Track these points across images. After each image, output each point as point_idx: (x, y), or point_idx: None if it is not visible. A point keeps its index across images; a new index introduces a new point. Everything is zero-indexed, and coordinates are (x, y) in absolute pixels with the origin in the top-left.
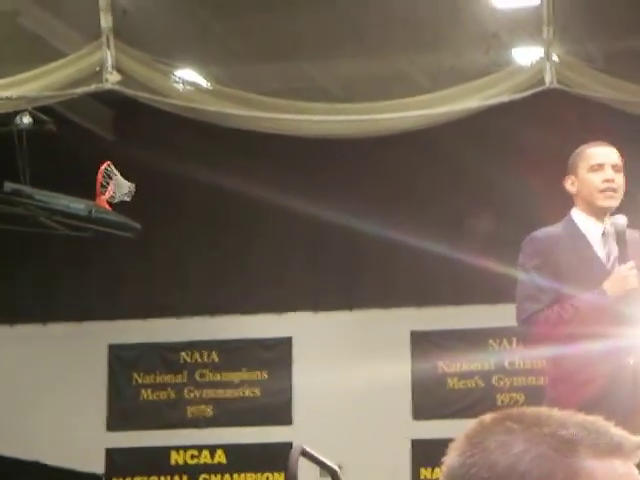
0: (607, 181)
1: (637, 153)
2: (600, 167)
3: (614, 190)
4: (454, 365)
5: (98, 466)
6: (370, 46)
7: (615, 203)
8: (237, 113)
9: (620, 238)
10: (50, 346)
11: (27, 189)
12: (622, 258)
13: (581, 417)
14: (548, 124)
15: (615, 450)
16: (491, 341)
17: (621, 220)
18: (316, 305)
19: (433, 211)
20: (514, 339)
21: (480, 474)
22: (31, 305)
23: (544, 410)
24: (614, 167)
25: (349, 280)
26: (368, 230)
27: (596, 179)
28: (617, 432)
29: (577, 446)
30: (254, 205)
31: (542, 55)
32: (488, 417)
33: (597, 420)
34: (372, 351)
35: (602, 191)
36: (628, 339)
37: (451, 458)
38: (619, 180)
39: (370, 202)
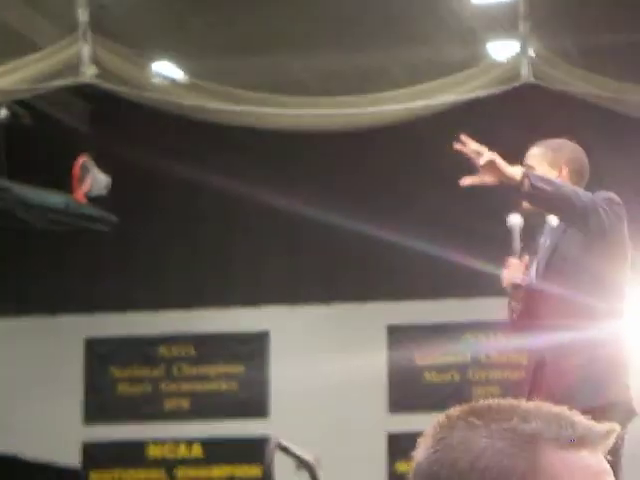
0: None
1: (611, 147)
2: None
3: None
4: (430, 358)
5: (75, 459)
6: (348, 40)
7: (526, 204)
8: (215, 107)
9: (512, 234)
10: (26, 340)
11: (3, 182)
12: (511, 252)
13: (546, 409)
14: (526, 119)
15: (579, 442)
16: (467, 335)
17: (511, 219)
18: (293, 299)
19: (410, 206)
20: (490, 333)
21: (442, 472)
22: (6, 298)
23: (509, 403)
24: (528, 169)
25: (326, 274)
26: (345, 224)
27: None
28: (582, 423)
29: (537, 440)
30: (232, 199)
31: (518, 50)
32: (454, 411)
33: (562, 411)
34: (349, 345)
35: None
36: (597, 332)
37: (418, 454)
38: None
39: (347, 196)
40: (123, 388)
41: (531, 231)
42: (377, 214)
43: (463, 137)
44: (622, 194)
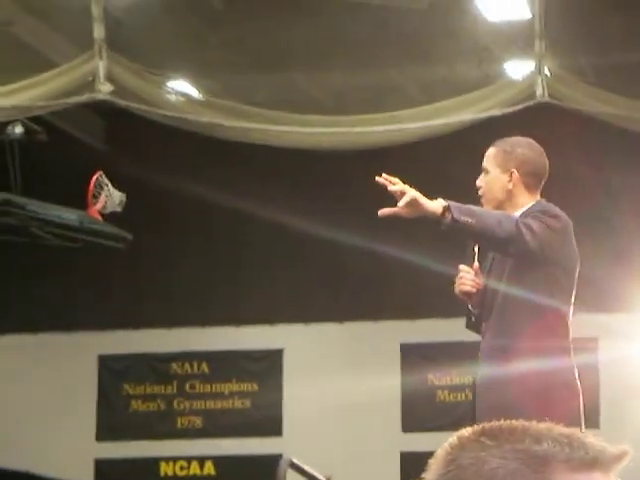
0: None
1: (626, 167)
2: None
3: (480, 195)
4: (444, 378)
5: (87, 476)
6: (362, 58)
7: (484, 206)
8: (229, 124)
9: (466, 242)
10: (40, 356)
11: (18, 199)
12: (464, 260)
13: (557, 431)
14: (541, 138)
15: (590, 463)
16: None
17: None
18: (307, 317)
19: (423, 224)
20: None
21: None
22: (21, 315)
23: (520, 424)
24: (483, 170)
25: (340, 292)
26: (359, 243)
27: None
28: (594, 445)
29: (550, 461)
30: (245, 217)
31: (534, 69)
32: (465, 432)
33: (573, 433)
34: (362, 363)
35: None
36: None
37: (429, 474)
38: (482, 183)
39: (361, 214)
40: (136, 405)
41: None
42: (391, 232)
43: (384, 177)
44: (636, 212)
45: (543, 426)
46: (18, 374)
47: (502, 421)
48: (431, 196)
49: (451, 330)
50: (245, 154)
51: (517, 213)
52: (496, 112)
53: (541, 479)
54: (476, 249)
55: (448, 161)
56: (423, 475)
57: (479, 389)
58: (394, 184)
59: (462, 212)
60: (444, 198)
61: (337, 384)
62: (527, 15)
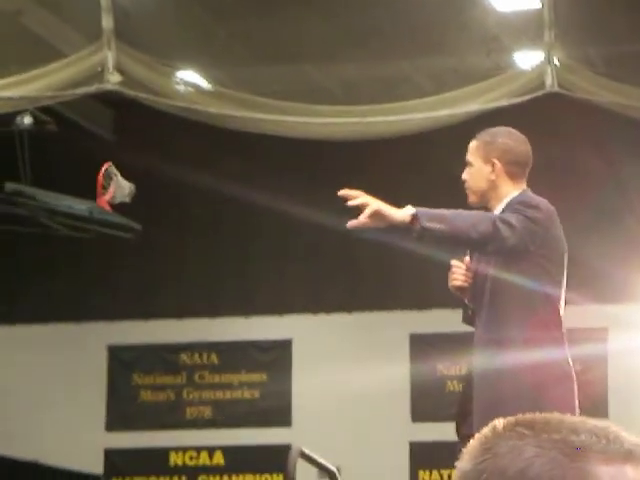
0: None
1: (635, 157)
2: None
3: (466, 188)
4: (453, 368)
5: (97, 466)
6: (372, 49)
7: (470, 199)
8: (238, 115)
9: None
10: (50, 346)
11: (28, 189)
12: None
13: (592, 423)
14: (550, 128)
15: (625, 456)
16: None
17: None
18: (316, 307)
19: None
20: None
21: (491, 479)
22: (32, 305)
23: (555, 416)
24: (467, 164)
25: (349, 283)
26: (369, 235)
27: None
28: (628, 439)
29: (587, 452)
30: (254, 207)
31: (543, 59)
32: (500, 423)
33: (608, 426)
34: (371, 353)
35: None
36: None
37: (463, 463)
38: (467, 176)
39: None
40: (145, 395)
41: None
42: None
43: (344, 192)
44: None
45: (577, 419)
46: (28, 364)
47: (538, 414)
48: (446, 184)
49: (460, 320)
50: (255, 145)
51: (502, 204)
52: (506, 102)
53: (577, 468)
54: None
55: (458, 150)
56: (456, 464)
57: (475, 380)
58: (354, 198)
59: (431, 218)
60: (457, 185)
61: (346, 374)
62: (536, 5)
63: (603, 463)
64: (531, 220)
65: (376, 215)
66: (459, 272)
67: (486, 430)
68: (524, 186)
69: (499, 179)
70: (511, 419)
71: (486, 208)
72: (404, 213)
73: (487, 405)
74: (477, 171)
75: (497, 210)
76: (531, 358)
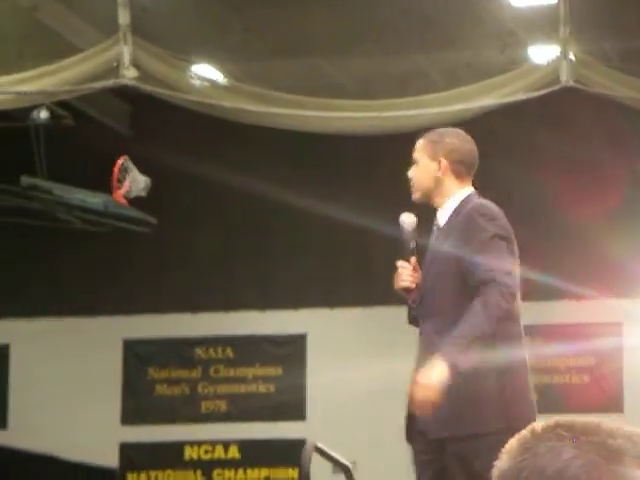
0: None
1: None
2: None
3: (411, 185)
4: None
5: (112, 460)
6: (387, 43)
7: (414, 196)
8: (253, 109)
9: (403, 235)
10: (65, 340)
11: (44, 183)
12: (402, 255)
13: (628, 429)
14: (564, 122)
15: None
16: None
17: (403, 217)
18: (331, 302)
19: None
20: (527, 337)
21: (530, 478)
22: (47, 299)
23: (593, 420)
24: (413, 162)
25: (364, 277)
26: (383, 229)
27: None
28: None
29: (623, 456)
30: (269, 202)
31: (558, 53)
32: (539, 425)
33: (633, 432)
34: (386, 348)
35: None
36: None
37: (503, 462)
38: (413, 173)
39: (386, 200)
40: (161, 389)
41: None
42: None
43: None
44: None
45: (614, 424)
46: (44, 358)
47: (573, 418)
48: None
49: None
50: (271, 140)
51: (448, 201)
52: (521, 97)
53: (613, 471)
54: (414, 244)
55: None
56: (495, 464)
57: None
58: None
59: (459, 353)
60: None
61: (361, 369)
62: (552, 0)
63: (637, 467)
64: (500, 237)
65: (424, 393)
66: (406, 273)
67: (525, 431)
68: (470, 186)
69: (445, 177)
70: (550, 422)
71: (429, 205)
72: (440, 371)
73: (461, 402)
74: (423, 168)
75: (443, 208)
76: (503, 352)
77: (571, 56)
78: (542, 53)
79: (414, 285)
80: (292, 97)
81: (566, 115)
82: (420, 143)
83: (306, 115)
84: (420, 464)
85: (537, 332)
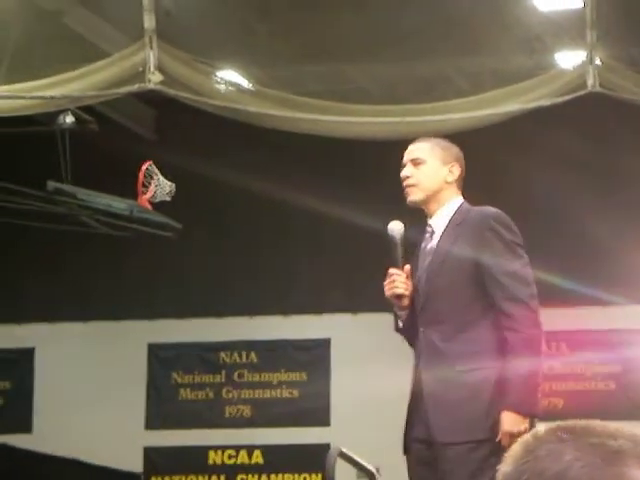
0: (402, 179)
1: None
2: (404, 166)
3: (410, 185)
4: None
5: (136, 465)
6: (412, 48)
7: (415, 197)
8: (278, 114)
9: (391, 243)
10: (90, 344)
11: (69, 188)
12: (391, 262)
13: (629, 430)
14: (588, 129)
15: None
16: None
17: (392, 225)
18: (354, 307)
19: None
20: (553, 343)
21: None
22: (72, 303)
23: (594, 422)
24: (413, 162)
25: None
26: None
27: (402, 179)
28: None
29: (624, 457)
30: (292, 206)
31: (585, 59)
32: (541, 429)
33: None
34: (410, 353)
35: (404, 189)
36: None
37: (505, 466)
38: (418, 174)
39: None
40: (185, 394)
41: (413, 237)
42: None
43: None
44: None
45: (614, 425)
46: (69, 362)
47: (576, 420)
48: (486, 185)
49: None
50: (295, 144)
51: (442, 208)
52: (546, 102)
53: (614, 472)
54: (400, 251)
55: (495, 150)
56: (498, 467)
57: (441, 390)
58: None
59: (533, 403)
60: (497, 186)
61: (385, 374)
62: (578, 5)
63: (638, 467)
64: (520, 246)
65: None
66: (400, 280)
67: (528, 436)
68: (461, 196)
69: (451, 184)
70: (552, 426)
71: (420, 209)
72: (521, 423)
73: (474, 408)
74: (433, 171)
75: (437, 214)
76: (508, 362)
77: (598, 61)
78: (568, 58)
79: (407, 292)
80: (316, 102)
81: (591, 120)
82: (425, 145)
83: (329, 120)
84: (418, 476)
85: (563, 338)
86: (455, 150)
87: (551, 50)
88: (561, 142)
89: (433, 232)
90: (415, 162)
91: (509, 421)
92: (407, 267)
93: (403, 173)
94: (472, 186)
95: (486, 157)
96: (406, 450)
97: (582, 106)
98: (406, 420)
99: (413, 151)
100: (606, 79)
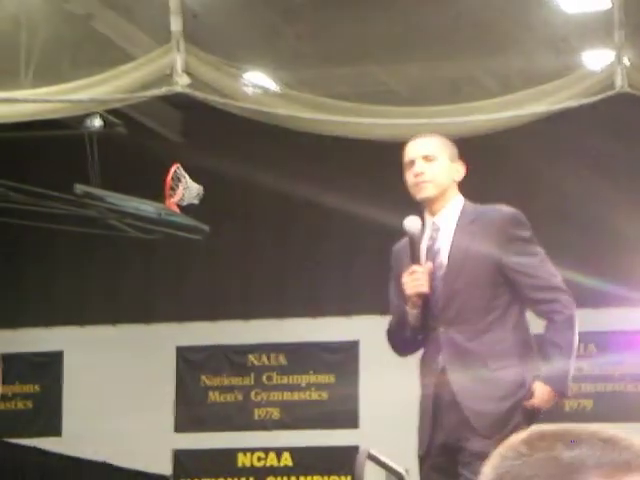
0: (416, 175)
1: None
2: (411, 163)
3: (425, 181)
4: None
5: (165, 467)
6: (440, 50)
7: (429, 192)
8: (306, 116)
9: (411, 240)
10: (119, 347)
11: (98, 191)
12: (413, 259)
13: (599, 435)
14: (615, 129)
15: (621, 467)
16: None
17: (410, 222)
18: (383, 308)
19: None
20: (582, 345)
21: None
22: (101, 306)
23: (563, 429)
24: (425, 158)
25: None
26: None
27: (410, 176)
28: (631, 448)
29: (579, 467)
30: (321, 209)
31: (613, 59)
32: (512, 439)
33: (613, 436)
34: None
35: (415, 185)
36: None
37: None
38: (432, 170)
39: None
40: (214, 397)
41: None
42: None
43: None
44: None
45: (588, 430)
46: (98, 365)
47: (556, 425)
48: (511, 184)
49: None
50: (323, 147)
51: (447, 206)
52: (574, 103)
53: None
54: (424, 247)
55: (523, 150)
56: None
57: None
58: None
59: (566, 381)
60: (523, 187)
61: (414, 376)
62: (606, 5)
63: (599, 477)
64: (536, 243)
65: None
66: (424, 278)
67: (501, 446)
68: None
69: (455, 183)
70: (522, 435)
71: (425, 205)
72: (548, 396)
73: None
74: (444, 168)
75: (440, 212)
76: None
77: (626, 61)
78: (596, 58)
79: (429, 291)
80: (344, 104)
81: (620, 121)
82: (437, 141)
83: (358, 122)
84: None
85: (592, 339)
86: (457, 151)
87: (579, 51)
88: (591, 143)
89: (438, 230)
90: (427, 158)
91: (542, 394)
92: (430, 264)
93: (417, 169)
94: (503, 188)
95: (516, 159)
96: (427, 455)
97: (611, 106)
98: (425, 423)
99: (424, 147)
100: (635, 79)
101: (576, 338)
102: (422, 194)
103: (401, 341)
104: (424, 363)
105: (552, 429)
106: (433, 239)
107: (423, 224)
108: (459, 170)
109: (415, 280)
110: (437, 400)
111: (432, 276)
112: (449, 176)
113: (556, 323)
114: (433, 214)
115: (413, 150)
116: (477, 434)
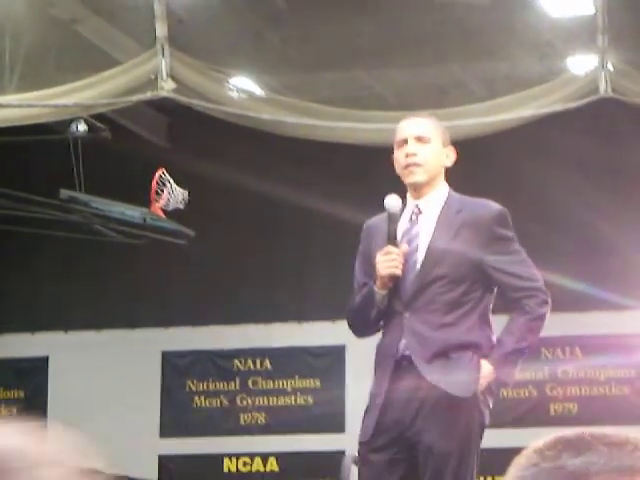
0: (408, 155)
1: None
2: (404, 142)
3: (416, 164)
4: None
5: (151, 473)
6: (425, 54)
7: (419, 178)
8: (292, 121)
9: (390, 219)
10: (103, 353)
11: (83, 196)
12: (389, 239)
13: (608, 439)
14: (601, 134)
15: (625, 472)
16: (544, 350)
17: (391, 200)
18: None
19: None
20: (567, 348)
21: None
22: (86, 311)
23: (579, 435)
24: (418, 139)
25: None
26: None
27: (400, 155)
28: (636, 452)
29: (583, 475)
30: (307, 214)
31: (597, 64)
32: (532, 446)
33: (620, 442)
34: None
35: (405, 167)
36: None
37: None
38: (424, 152)
39: None
40: (199, 402)
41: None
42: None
43: None
44: None
45: (598, 435)
46: (82, 371)
47: (569, 432)
48: (498, 190)
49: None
50: (309, 151)
51: (432, 193)
52: (558, 108)
53: None
54: (401, 229)
55: (513, 156)
56: (498, 468)
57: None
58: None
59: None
60: (510, 191)
61: None
62: (590, 10)
63: None
64: (517, 241)
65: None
66: (399, 260)
67: (522, 454)
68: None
69: (444, 170)
70: (539, 442)
71: (411, 187)
72: (488, 373)
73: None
74: (436, 152)
75: (425, 198)
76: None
77: (609, 66)
78: (580, 63)
79: (401, 273)
80: (330, 109)
81: (605, 125)
82: (430, 123)
83: (344, 127)
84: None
85: (577, 343)
86: (448, 134)
87: (563, 55)
88: (574, 146)
89: (419, 213)
90: (421, 139)
91: (483, 370)
92: (405, 246)
93: (409, 149)
94: (488, 190)
95: (501, 162)
96: (370, 441)
97: (595, 111)
98: (374, 410)
99: (418, 127)
100: (618, 84)
101: (536, 340)
102: (412, 179)
103: (363, 321)
104: (382, 348)
105: (567, 436)
106: (412, 222)
107: (404, 205)
108: (449, 155)
109: (390, 261)
110: (392, 387)
111: (405, 259)
112: (440, 161)
113: (526, 316)
114: (417, 197)
115: (407, 129)
116: (430, 424)
